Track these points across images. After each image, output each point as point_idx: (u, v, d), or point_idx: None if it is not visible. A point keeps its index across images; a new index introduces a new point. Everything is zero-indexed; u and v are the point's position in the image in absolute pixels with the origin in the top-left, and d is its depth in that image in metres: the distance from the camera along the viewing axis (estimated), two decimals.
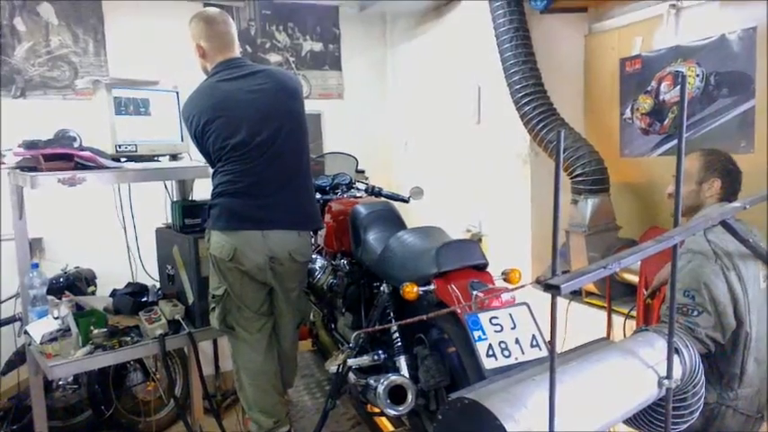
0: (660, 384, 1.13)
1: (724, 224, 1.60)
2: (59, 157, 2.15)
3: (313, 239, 2.73)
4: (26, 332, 2.34)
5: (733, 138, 2.42)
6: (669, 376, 1.12)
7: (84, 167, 2.20)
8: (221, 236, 2.10)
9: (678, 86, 2.63)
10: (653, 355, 1.17)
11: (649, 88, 2.76)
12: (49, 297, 2.47)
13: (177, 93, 2.60)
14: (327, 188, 2.75)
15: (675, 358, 1.17)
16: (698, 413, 1.26)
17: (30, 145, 2.19)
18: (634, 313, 2.40)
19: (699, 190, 1.90)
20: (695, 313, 1.70)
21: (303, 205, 2.19)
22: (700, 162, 1.90)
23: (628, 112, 2.90)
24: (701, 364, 1.25)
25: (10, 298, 2.93)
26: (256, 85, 2.11)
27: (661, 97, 2.72)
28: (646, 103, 2.79)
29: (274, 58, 4.01)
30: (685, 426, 1.26)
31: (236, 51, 2.21)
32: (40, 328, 2.29)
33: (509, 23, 2.80)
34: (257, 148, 2.07)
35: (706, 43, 2.51)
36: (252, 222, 2.09)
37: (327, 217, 2.60)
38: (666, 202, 2.01)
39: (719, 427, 1.77)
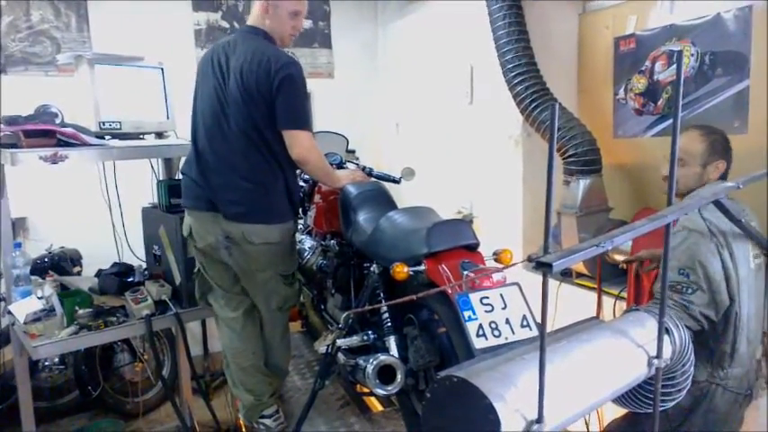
0: (650, 364, 1.12)
1: (717, 203, 1.58)
2: (41, 133, 2.10)
3: (302, 220, 2.70)
4: (9, 312, 2.31)
5: (727, 118, 2.40)
6: (659, 356, 1.11)
7: (66, 145, 2.15)
8: (185, 214, 2.16)
9: (673, 66, 2.60)
10: (643, 335, 1.16)
11: (643, 68, 2.73)
12: (33, 277, 2.43)
13: (162, 69, 2.54)
14: None
15: (666, 338, 1.16)
16: (685, 391, 1.25)
17: (10, 121, 2.13)
18: (624, 294, 2.40)
19: (703, 172, 1.84)
20: (689, 291, 1.70)
21: (253, 198, 2.04)
22: (704, 144, 1.84)
23: (621, 92, 2.87)
24: (690, 344, 1.24)
25: None
26: (225, 63, 2.03)
27: (655, 77, 2.69)
28: (640, 82, 2.76)
29: None
30: (672, 403, 1.25)
31: (258, 19, 2.08)
32: (24, 307, 2.26)
33: (502, 1, 2.74)
34: (209, 129, 2.05)
35: (701, 22, 2.47)
36: (203, 202, 2.07)
37: (317, 197, 2.57)
38: (662, 185, 1.97)
39: (708, 406, 1.78)
